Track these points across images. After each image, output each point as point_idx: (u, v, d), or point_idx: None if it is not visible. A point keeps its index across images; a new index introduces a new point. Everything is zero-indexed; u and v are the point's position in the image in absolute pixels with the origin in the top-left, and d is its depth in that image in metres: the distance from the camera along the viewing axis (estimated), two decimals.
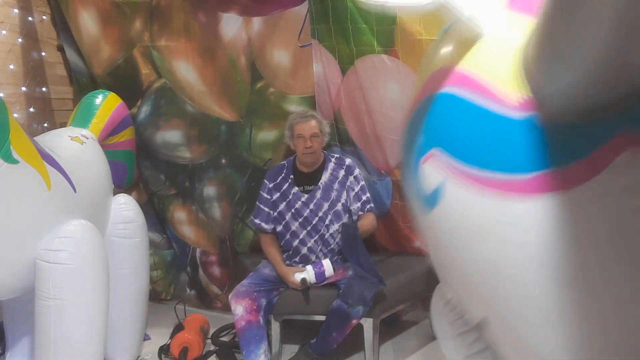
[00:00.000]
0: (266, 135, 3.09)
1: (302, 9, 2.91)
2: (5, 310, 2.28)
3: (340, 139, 2.98)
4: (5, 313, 2.29)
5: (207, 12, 2.99)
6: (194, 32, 3.01)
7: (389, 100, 2.77)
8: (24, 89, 2.79)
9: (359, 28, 2.73)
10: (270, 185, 2.78)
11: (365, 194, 2.76)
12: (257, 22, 2.99)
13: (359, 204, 2.73)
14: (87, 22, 3.00)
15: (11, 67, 2.70)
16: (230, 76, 3.05)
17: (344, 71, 2.86)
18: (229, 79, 3.06)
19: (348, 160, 2.80)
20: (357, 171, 2.78)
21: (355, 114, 2.89)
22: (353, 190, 2.74)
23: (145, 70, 3.11)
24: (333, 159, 2.79)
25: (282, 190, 2.75)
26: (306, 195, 2.71)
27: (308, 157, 2.71)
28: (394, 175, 2.92)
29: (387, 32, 2.71)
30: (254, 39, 3.01)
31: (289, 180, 2.75)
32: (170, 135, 3.18)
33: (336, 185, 2.73)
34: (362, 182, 2.77)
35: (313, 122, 2.70)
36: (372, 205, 2.77)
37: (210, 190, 3.22)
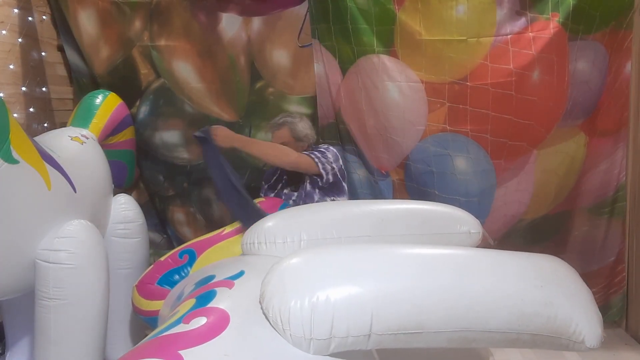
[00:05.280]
0: (265, 135, 3.08)
1: (302, 9, 2.91)
2: (5, 310, 2.28)
3: (342, 139, 2.98)
4: (5, 313, 2.29)
5: (207, 12, 2.99)
6: (193, 32, 3.01)
7: (389, 100, 2.78)
8: (24, 89, 2.79)
9: (359, 28, 2.73)
10: (266, 187, 2.78)
11: (317, 153, 2.54)
12: (256, 21, 3.00)
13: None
14: (87, 22, 2.99)
15: (11, 67, 2.70)
16: (230, 76, 3.05)
17: (344, 71, 2.86)
18: (228, 79, 3.06)
19: (323, 146, 2.68)
20: (322, 146, 2.64)
21: (355, 113, 2.89)
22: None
23: (144, 70, 3.11)
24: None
25: (276, 190, 2.75)
26: (296, 193, 2.71)
27: None
28: (395, 175, 2.92)
29: (387, 32, 2.72)
30: (253, 38, 3.01)
31: (283, 181, 2.74)
32: (169, 136, 3.18)
33: None
34: (322, 150, 2.59)
35: (282, 131, 2.60)
36: (316, 159, 2.52)
37: (208, 192, 3.22)
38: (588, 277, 2.69)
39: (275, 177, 2.76)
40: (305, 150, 2.65)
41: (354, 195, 2.91)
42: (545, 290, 1.30)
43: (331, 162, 2.57)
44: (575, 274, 1.44)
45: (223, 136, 2.39)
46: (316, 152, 2.57)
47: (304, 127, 2.65)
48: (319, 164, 2.52)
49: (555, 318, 1.27)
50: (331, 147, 2.67)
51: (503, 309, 1.25)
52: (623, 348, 2.80)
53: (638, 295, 2.87)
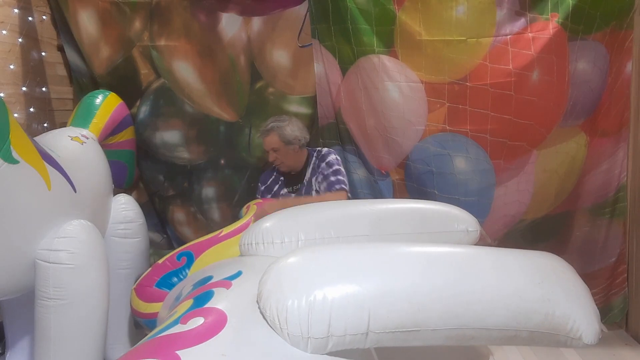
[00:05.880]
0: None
1: (302, 9, 2.91)
2: (5, 310, 2.28)
3: (342, 139, 2.98)
4: (5, 313, 2.29)
5: (207, 11, 2.99)
6: (193, 32, 3.01)
7: (389, 101, 2.78)
8: (24, 89, 2.79)
9: (359, 28, 2.73)
10: (262, 188, 2.79)
11: (336, 176, 2.61)
12: (256, 21, 3.00)
13: (325, 184, 2.62)
14: (87, 22, 2.99)
15: (11, 67, 2.70)
16: (230, 76, 3.05)
17: (344, 71, 2.86)
18: (228, 79, 3.06)
19: (324, 150, 2.74)
20: (331, 157, 2.67)
21: (355, 114, 2.89)
22: (322, 174, 2.64)
23: (144, 70, 3.11)
24: (315, 153, 2.74)
25: (272, 192, 2.76)
26: (293, 195, 2.72)
27: (279, 167, 2.70)
28: (395, 175, 2.92)
29: (387, 32, 2.72)
30: (253, 38, 3.01)
31: (279, 182, 2.75)
32: (169, 136, 3.18)
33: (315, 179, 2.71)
34: (337, 167, 2.65)
35: (271, 137, 2.63)
36: (346, 187, 2.62)
37: (209, 191, 3.22)
38: (589, 278, 2.69)
39: (271, 179, 2.77)
40: (299, 152, 2.68)
41: (354, 195, 2.91)
42: (543, 287, 1.30)
43: (344, 175, 2.66)
44: (572, 271, 1.43)
45: (270, 205, 2.44)
46: (340, 177, 2.61)
47: (293, 129, 2.65)
48: (347, 191, 2.63)
49: (553, 315, 1.27)
50: (336, 155, 2.70)
51: (501, 306, 1.25)
52: (623, 348, 2.80)
53: (638, 296, 2.86)
